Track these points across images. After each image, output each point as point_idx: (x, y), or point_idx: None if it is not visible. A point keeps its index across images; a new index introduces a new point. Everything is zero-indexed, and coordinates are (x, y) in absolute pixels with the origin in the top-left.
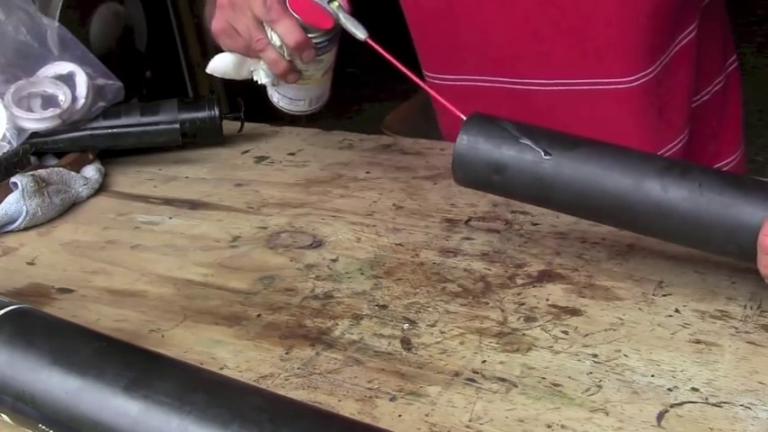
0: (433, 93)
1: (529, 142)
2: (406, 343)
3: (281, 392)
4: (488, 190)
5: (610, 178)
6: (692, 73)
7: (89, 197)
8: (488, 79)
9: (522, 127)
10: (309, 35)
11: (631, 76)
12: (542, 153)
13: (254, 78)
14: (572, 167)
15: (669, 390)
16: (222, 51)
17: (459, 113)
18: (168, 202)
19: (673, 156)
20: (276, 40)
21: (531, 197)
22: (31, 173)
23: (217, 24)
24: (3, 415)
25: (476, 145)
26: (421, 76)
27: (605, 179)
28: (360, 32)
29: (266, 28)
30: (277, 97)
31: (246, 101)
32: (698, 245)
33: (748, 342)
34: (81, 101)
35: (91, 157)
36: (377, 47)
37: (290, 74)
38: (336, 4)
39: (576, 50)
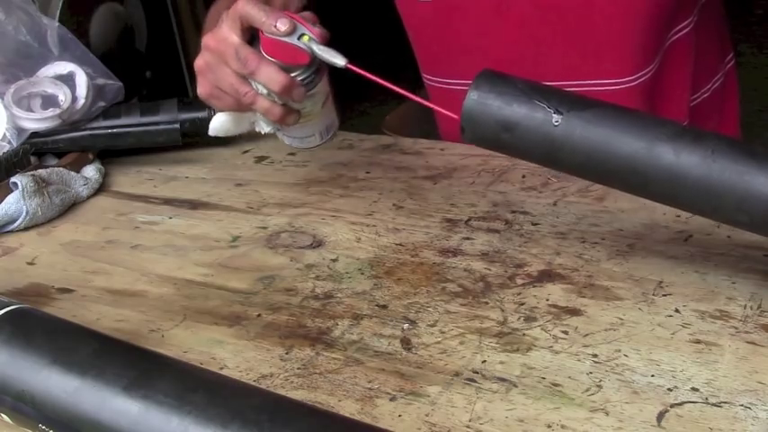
0: (419, 100)
1: (540, 101)
2: (406, 343)
3: (281, 392)
4: (497, 149)
5: (621, 141)
6: (689, 70)
7: (89, 197)
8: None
9: (533, 86)
10: (292, 74)
11: (630, 75)
12: (554, 112)
13: (257, 129)
14: (583, 128)
15: (669, 390)
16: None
17: (452, 115)
18: (168, 201)
19: None
20: (263, 89)
21: (541, 157)
22: (31, 173)
23: (202, 90)
24: (3, 415)
25: (486, 101)
26: (412, 85)
27: (617, 141)
28: (338, 60)
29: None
30: (288, 140)
31: None
32: (708, 213)
33: (748, 342)
34: (81, 101)
35: (91, 157)
36: (359, 70)
37: (288, 116)
38: (307, 38)
39: (574, 53)
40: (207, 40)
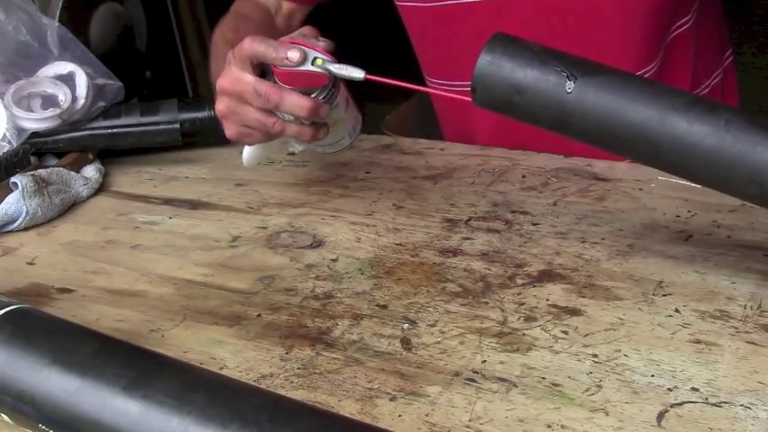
0: (435, 91)
1: (554, 65)
2: (406, 343)
3: (281, 392)
4: (508, 112)
5: (633, 108)
6: (690, 65)
7: (89, 197)
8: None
9: (547, 50)
10: (313, 95)
11: (634, 72)
12: (567, 77)
13: (290, 150)
14: (596, 94)
15: (669, 390)
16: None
17: (465, 98)
18: (168, 201)
19: None
20: (289, 116)
21: (551, 122)
22: (31, 173)
23: (230, 133)
24: (3, 415)
25: (500, 62)
26: (422, 82)
27: (629, 109)
28: (357, 74)
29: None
30: (321, 149)
31: None
32: (719, 185)
33: (748, 342)
34: (81, 101)
35: (91, 157)
36: (378, 78)
37: (318, 133)
38: (320, 61)
39: (576, 54)
40: (221, 83)
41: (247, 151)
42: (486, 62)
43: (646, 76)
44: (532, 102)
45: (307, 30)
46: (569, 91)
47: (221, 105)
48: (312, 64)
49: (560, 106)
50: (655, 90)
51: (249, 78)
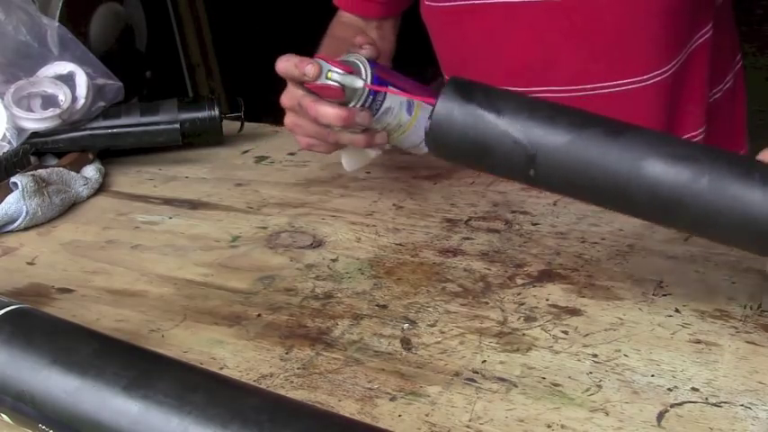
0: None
1: (514, 133)
2: (406, 343)
3: (281, 392)
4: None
5: (602, 175)
6: (708, 71)
7: (89, 197)
8: (502, 88)
9: (506, 106)
10: (352, 104)
11: (644, 75)
12: (525, 162)
13: (372, 156)
14: (558, 171)
15: (669, 390)
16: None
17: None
18: (168, 201)
19: None
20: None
21: (516, 180)
22: (31, 173)
23: (301, 143)
24: (3, 415)
25: (452, 126)
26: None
27: (598, 175)
28: (357, 83)
29: None
30: (414, 150)
31: (246, 101)
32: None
33: (748, 342)
34: (81, 101)
35: (91, 157)
36: (378, 88)
37: (374, 140)
38: (331, 73)
39: (585, 57)
40: (282, 99)
41: (343, 158)
42: (440, 121)
43: (662, 77)
44: (494, 168)
45: (358, 39)
46: (531, 174)
47: (287, 120)
48: (327, 78)
49: (524, 176)
50: (621, 148)
51: (297, 93)
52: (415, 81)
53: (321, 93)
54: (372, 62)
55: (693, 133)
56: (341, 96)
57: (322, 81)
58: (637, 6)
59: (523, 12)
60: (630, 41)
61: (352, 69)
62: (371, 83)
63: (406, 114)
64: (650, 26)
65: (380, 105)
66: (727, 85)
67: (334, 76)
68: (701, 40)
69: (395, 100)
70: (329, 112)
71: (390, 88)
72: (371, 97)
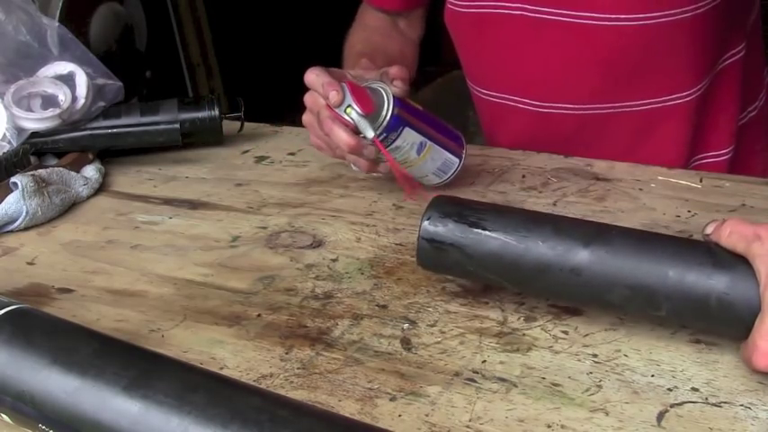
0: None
1: (489, 272)
2: (406, 343)
3: (281, 392)
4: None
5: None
6: (740, 91)
7: (89, 197)
8: (518, 100)
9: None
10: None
11: (667, 96)
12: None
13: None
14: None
15: (669, 390)
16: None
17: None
18: (168, 201)
19: (716, 169)
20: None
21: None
22: (31, 173)
23: (312, 140)
24: (3, 415)
25: (439, 254)
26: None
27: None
28: (368, 133)
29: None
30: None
31: (246, 101)
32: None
33: None
34: (81, 101)
35: (91, 157)
36: (381, 147)
37: (374, 167)
38: (350, 109)
39: (606, 78)
40: (305, 97)
41: (352, 164)
42: (426, 247)
43: (686, 100)
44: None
45: (393, 70)
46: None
47: (305, 117)
48: (345, 111)
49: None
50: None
51: (320, 102)
52: (437, 120)
53: (337, 119)
54: (398, 100)
55: (721, 151)
56: (354, 128)
57: (340, 111)
58: (661, 38)
59: (547, 28)
60: (654, 68)
61: (373, 106)
62: (389, 121)
63: (415, 154)
64: (676, 54)
65: (391, 143)
66: (761, 103)
67: (353, 114)
68: (732, 59)
69: (407, 140)
70: (341, 136)
71: (404, 130)
72: (384, 134)
